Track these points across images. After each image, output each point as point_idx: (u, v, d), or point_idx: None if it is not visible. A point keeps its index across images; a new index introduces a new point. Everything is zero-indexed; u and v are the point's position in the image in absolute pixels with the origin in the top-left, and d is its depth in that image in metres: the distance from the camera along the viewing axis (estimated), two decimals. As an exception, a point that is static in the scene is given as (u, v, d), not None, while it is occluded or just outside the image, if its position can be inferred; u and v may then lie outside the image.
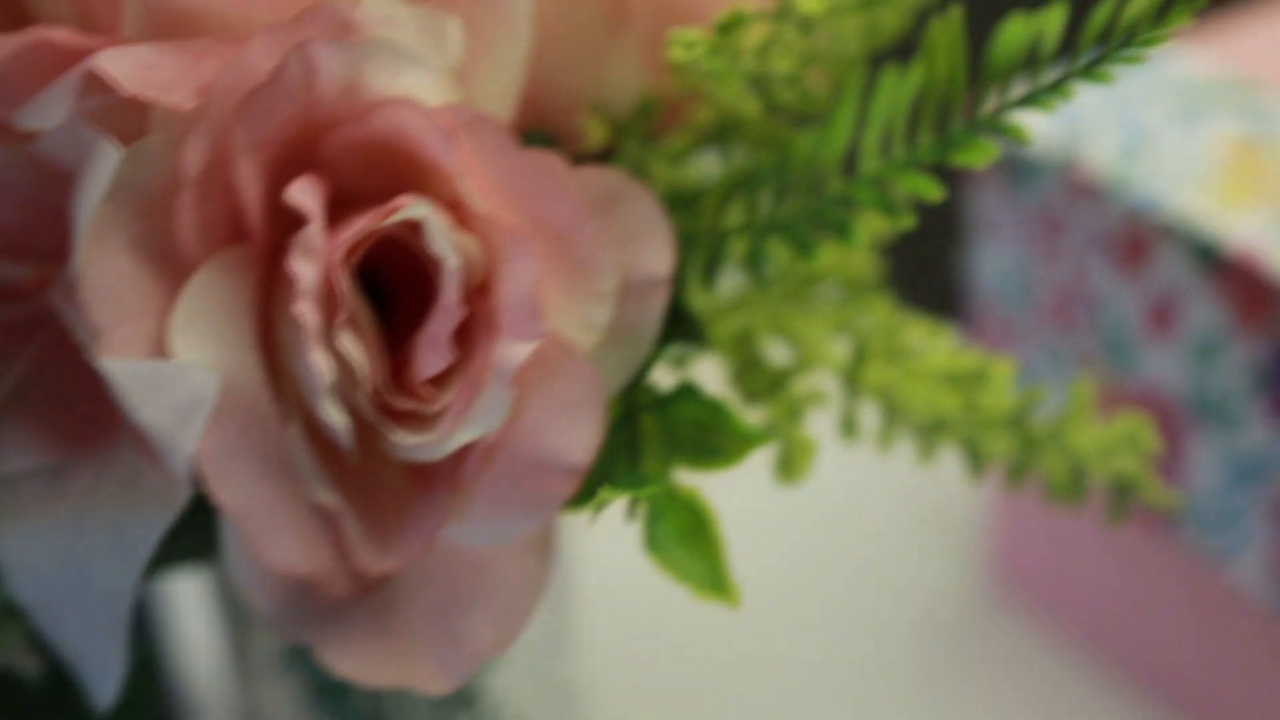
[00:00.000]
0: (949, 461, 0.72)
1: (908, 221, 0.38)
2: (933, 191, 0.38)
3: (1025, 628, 0.63)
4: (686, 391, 0.38)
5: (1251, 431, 0.53)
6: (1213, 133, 0.57)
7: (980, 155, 0.38)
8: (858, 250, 0.44)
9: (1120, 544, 0.60)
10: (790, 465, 0.40)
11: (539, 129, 0.41)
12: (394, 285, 0.38)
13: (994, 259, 0.60)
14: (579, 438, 0.34)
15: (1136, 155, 0.56)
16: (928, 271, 1.24)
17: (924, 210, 1.22)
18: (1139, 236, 0.55)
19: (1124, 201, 0.55)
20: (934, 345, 0.45)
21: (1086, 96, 0.59)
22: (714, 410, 0.37)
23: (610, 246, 0.36)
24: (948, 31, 0.39)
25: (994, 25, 1.45)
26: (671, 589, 0.66)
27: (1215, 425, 0.54)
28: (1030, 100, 0.39)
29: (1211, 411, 0.54)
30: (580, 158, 0.42)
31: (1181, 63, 0.60)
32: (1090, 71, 0.39)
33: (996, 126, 0.38)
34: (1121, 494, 0.43)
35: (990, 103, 0.39)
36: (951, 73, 0.39)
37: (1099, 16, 0.39)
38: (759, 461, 0.72)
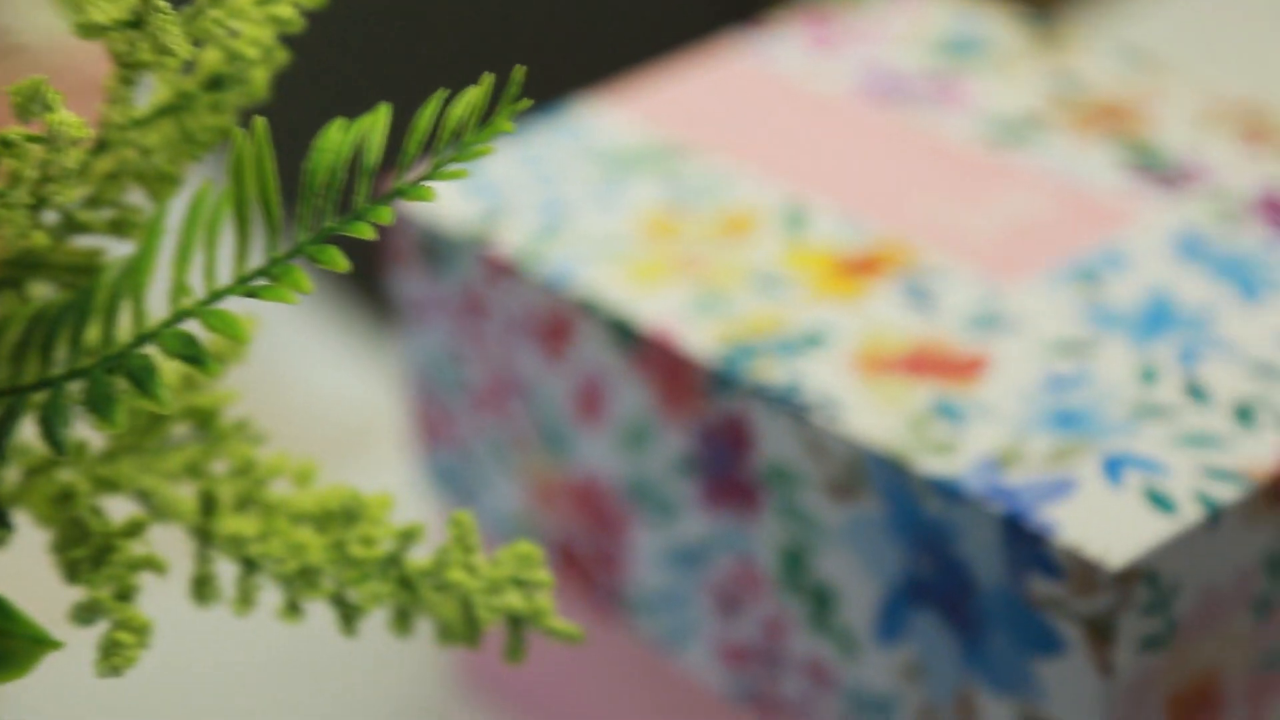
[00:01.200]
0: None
1: (215, 371, 0.34)
2: (241, 334, 0.34)
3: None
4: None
5: (688, 518, 0.50)
6: (632, 202, 0.54)
7: (291, 289, 0.34)
8: (207, 387, 0.39)
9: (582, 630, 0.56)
10: (115, 651, 0.35)
11: None
12: None
13: (423, 345, 0.56)
14: None
15: (555, 231, 0.53)
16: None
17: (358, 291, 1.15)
18: (559, 317, 0.51)
19: (540, 280, 0.51)
20: (302, 483, 0.41)
21: (507, 168, 0.55)
22: None
23: None
24: (251, 148, 0.34)
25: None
26: None
27: (653, 512, 0.51)
28: (346, 223, 0.35)
29: (648, 498, 0.51)
30: None
31: (604, 128, 0.57)
32: (409, 191, 0.35)
33: (307, 253, 0.34)
34: (516, 630, 0.40)
35: (317, 218, 0.35)
36: (262, 189, 0.35)
37: (421, 123, 0.36)
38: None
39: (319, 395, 0.92)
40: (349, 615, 0.39)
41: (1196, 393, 0.46)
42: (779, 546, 0.48)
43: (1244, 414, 0.45)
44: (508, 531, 0.56)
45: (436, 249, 0.54)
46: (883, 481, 0.45)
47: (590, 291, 0.50)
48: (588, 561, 0.54)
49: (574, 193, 0.54)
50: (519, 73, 0.35)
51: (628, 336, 0.50)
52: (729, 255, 0.51)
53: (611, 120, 0.57)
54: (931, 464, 0.44)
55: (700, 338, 0.49)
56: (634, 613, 0.53)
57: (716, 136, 0.56)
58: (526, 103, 0.34)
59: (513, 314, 0.53)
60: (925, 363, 0.47)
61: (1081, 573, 0.42)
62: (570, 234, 0.53)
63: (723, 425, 0.48)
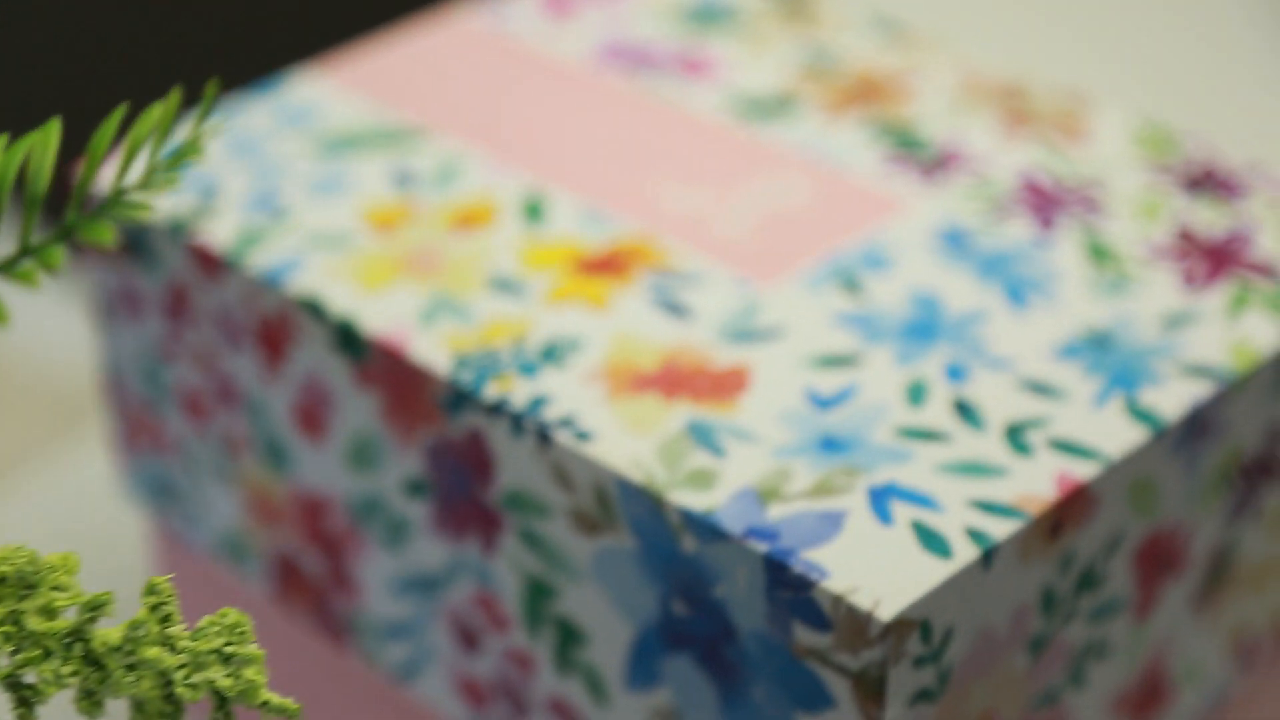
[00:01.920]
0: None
1: None
2: None
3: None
4: None
5: (422, 544, 0.46)
6: (355, 190, 0.49)
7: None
8: None
9: (309, 658, 0.52)
10: None
11: None
12: None
13: (126, 343, 0.51)
14: None
15: (270, 222, 0.48)
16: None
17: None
18: (276, 319, 0.47)
19: (253, 278, 0.46)
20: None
21: (216, 152, 0.50)
22: None
23: None
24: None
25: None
26: None
27: (383, 536, 0.47)
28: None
29: (377, 521, 0.47)
30: None
31: (323, 106, 0.52)
32: (84, 228, 0.30)
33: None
34: (223, 708, 0.35)
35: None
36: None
37: (99, 147, 0.31)
38: None
39: (40, 370, 0.86)
40: (26, 700, 0.34)
41: (966, 413, 0.43)
42: (521, 579, 0.44)
43: (1015, 438, 0.42)
44: (224, 550, 0.51)
45: (139, 241, 0.49)
46: (634, 514, 0.41)
47: (309, 291, 0.46)
48: (316, 584, 0.49)
49: (291, 179, 0.49)
50: (211, 90, 0.31)
51: (351, 343, 0.45)
52: (464, 252, 0.47)
53: (331, 96, 0.52)
54: (687, 497, 0.41)
55: (432, 346, 0.44)
56: (367, 640, 0.49)
57: (446, 114, 0.51)
58: (219, 126, 0.30)
59: (225, 314, 0.48)
60: (679, 378, 0.43)
61: (849, 624, 0.38)
62: (287, 226, 0.48)
63: (458, 445, 0.44)
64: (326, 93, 0.52)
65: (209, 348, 0.49)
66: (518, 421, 0.42)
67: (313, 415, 0.47)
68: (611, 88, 0.52)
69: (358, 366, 0.45)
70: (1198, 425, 0.43)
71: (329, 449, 0.47)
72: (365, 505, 0.47)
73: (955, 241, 0.47)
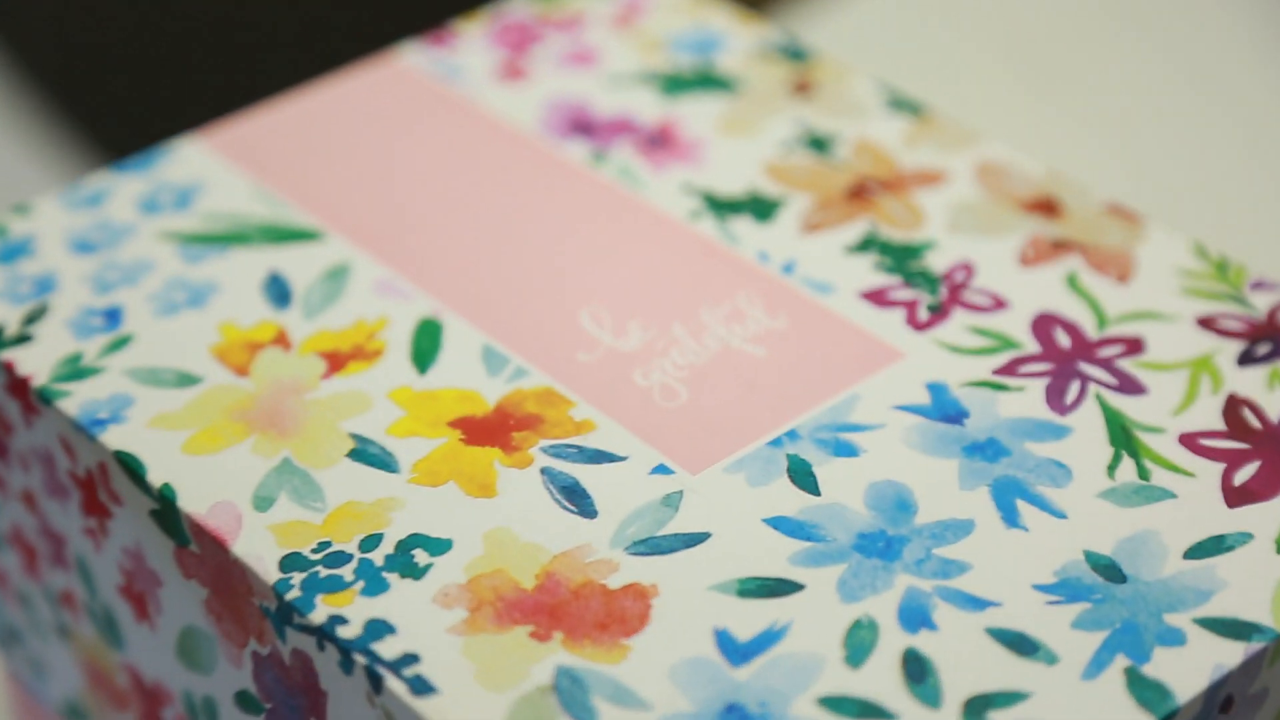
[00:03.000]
0: None
1: None
2: None
3: None
4: None
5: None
6: (214, 312, 0.40)
7: None
8: None
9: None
10: None
11: None
12: None
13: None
14: None
15: (103, 347, 0.39)
16: None
17: None
18: (95, 472, 0.38)
19: (71, 419, 0.38)
20: None
21: (55, 248, 0.42)
22: None
23: None
24: None
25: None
26: None
27: (217, 743, 0.38)
28: None
29: (210, 724, 0.38)
30: None
31: (199, 190, 0.43)
32: None
33: None
34: None
35: None
36: None
37: None
38: None
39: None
40: None
41: (918, 679, 0.33)
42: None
43: None
44: (70, 715, 0.43)
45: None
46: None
47: (131, 448, 0.37)
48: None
49: (140, 290, 0.40)
50: None
51: (171, 521, 0.36)
52: (328, 405, 0.38)
53: (220, 174, 0.43)
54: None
55: (262, 539, 0.35)
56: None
57: (354, 201, 0.42)
58: None
59: (47, 458, 0.39)
60: (560, 604, 0.34)
61: None
62: (123, 355, 0.39)
63: (287, 667, 0.35)
64: (215, 170, 0.43)
65: (35, 491, 0.40)
66: (348, 654, 0.34)
67: (139, 595, 0.38)
68: (559, 171, 0.43)
69: (180, 549, 0.36)
70: (1222, 705, 0.33)
71: (160, 636, 0.38)
72: (206, 708, 0.38)
73: (942, 415, 0.37)
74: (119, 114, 1.04)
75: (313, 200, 0.42)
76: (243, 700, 0.37)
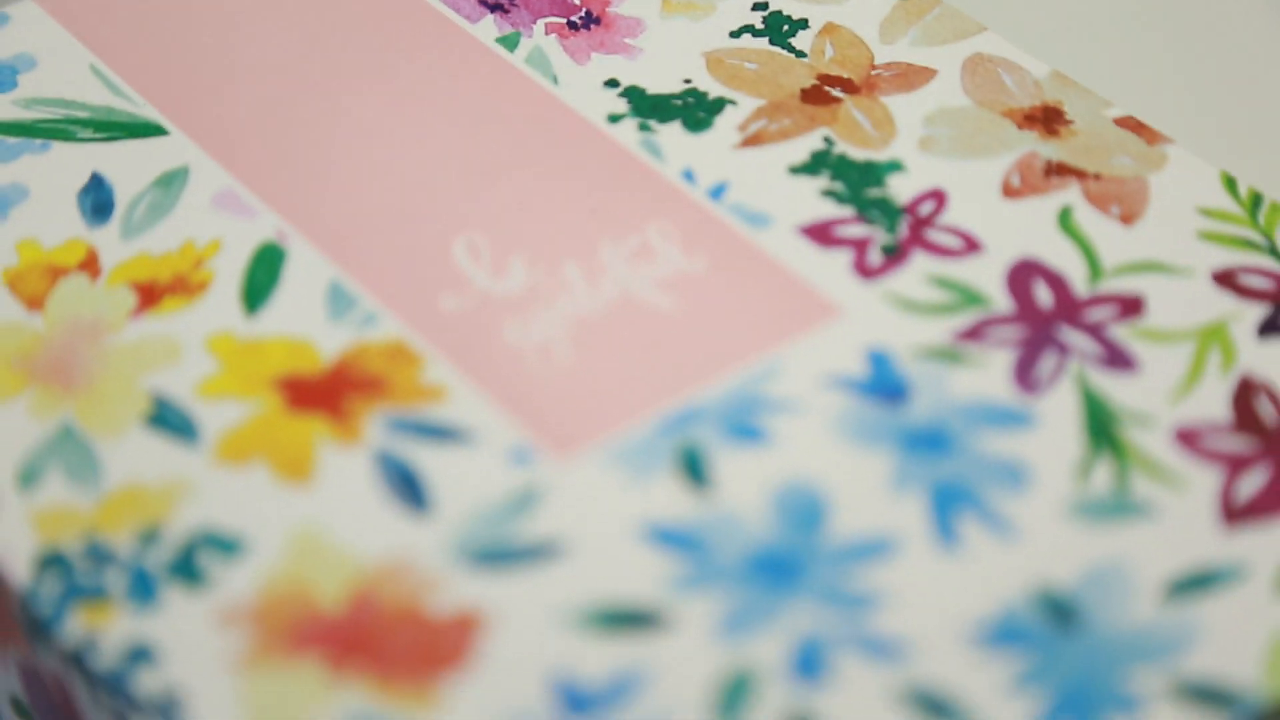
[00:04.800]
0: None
1: None
2: None
3: None
4: None
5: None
6: None
7: None
8: None
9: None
10: None
11: None
12: None
13: None
14: None
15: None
16: None
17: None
18: None
19: None
20: None
21: None
22: None
23: None
24: None
25: None
26: None
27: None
28: None
29: (-8, 726, 0.32)
30: None
31: None
32: None
33: None
34: None
35: None
36: None
37: None
38: None
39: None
40: None
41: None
42: None
43: None
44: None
45: None
46: None
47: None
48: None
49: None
50: None
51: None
52: (131, 352, 0.31)
53: (58, 48, 0.36)
54: None
55: (21, 529, 0.29)
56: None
57: (208, 93, 0.35)
58: None
59: None
60: (366, 629, 0.27)
61: None
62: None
63: (47, 681, 0.29)
64: (54, 40, 0.36)
65: None
66: (95, 685, 0.27)
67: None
68: (457, 58, 0.35)
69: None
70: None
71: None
72: (-19, 704, 0.32)
73: (880, 392, 0.30)
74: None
75: (158, 87, 0.35)
76: (18, 707, 0.31)
